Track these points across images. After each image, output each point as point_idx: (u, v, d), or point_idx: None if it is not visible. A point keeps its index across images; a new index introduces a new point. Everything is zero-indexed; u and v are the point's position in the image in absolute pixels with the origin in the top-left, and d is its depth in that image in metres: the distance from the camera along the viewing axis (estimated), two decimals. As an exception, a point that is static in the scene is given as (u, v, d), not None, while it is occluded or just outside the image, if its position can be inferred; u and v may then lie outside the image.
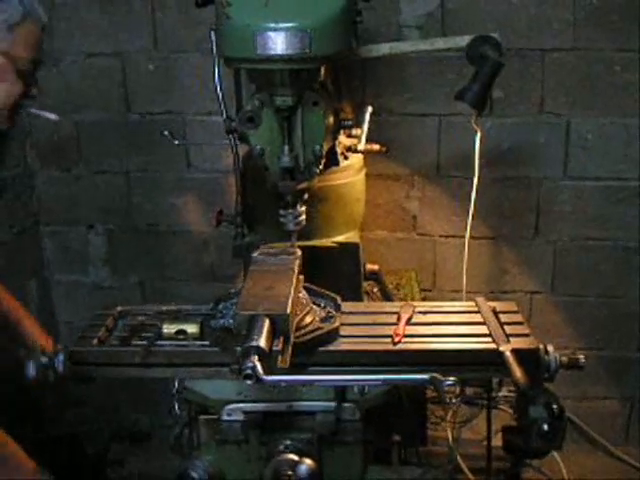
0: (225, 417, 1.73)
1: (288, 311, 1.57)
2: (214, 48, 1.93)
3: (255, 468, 1.77)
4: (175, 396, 1.82)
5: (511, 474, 2.00)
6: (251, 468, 1.78)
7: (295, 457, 1.70)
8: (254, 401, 1.73)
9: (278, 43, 1.68)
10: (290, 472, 1.68)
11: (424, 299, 2.71)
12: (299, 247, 1.97)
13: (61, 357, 1.71)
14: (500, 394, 2.76)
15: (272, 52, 1.69)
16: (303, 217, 2.01)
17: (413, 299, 2.45)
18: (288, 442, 1.74)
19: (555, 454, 2.75)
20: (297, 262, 1.84)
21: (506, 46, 1.98)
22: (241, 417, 1.73)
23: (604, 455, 3.01)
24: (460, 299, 2.45)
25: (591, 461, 2.98)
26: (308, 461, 1.68)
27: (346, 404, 1.72)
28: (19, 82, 1.74)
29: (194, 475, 1.76)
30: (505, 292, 2.96)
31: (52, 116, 1.93)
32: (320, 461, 1.73)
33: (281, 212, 2.00)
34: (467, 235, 2.42)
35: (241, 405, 1.73)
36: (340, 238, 2.26)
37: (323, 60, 1.78)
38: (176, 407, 1.86)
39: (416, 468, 1.92)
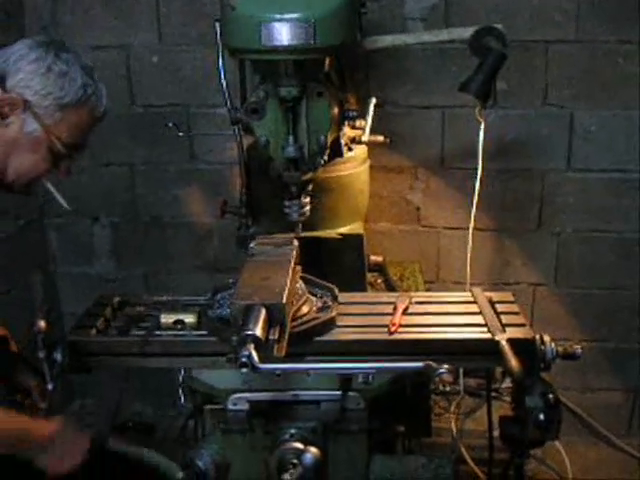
0: (230, 406, 1.74)
1: (284, 300, 1.57)
2: (218, 39, 1.93)
3: (260, 457, 1.78)
4: (181, 386, 1.83)
5: (515, 465, 2.00)
6: (256, 457, 1.79)
7: (300, 445, 1.71)
8: (259, 390, 1.74)
9: (283, 34, 1.68)
10: (295, 460, 1.69)
11: (428, 290, 2.71)
12: (303, 238, 1.98)
13: (60, 347, 1.71)
14: (503, 385, 2.76)
15: (277, 43, 1.70)
16: (307, 208, 2.03)
17: (417, 290, 2.44)
18: (293, 431, 1.75)
19: (558, 445, 2.76)
20: (294, 252, 1.84)
21: (509, 38, 1.98)
22: (246, 406, 1.73)
23: (607, 446, 3.01)
24: (463, 291, 2.45)
25: (594, 452, 2.98)
26: (313, 449, 1.69)
27: (351, 393, 1.73)
28: (48, 160, 1.69)
29: (200, 464, 1.78)
30: (508, 284, 2.96)
31: (64, 203, 1.84)
32: (325, 449, 1.74)
33: (285, 203, 2.01)
34: (471, 227, 2.42)
35: (246, 394, 1.73)
36: (344, 229, 2.26)
37: (328, 51, 1.79)
38: (182, 397, 1.87)
39: (420, 457, 1.92)
